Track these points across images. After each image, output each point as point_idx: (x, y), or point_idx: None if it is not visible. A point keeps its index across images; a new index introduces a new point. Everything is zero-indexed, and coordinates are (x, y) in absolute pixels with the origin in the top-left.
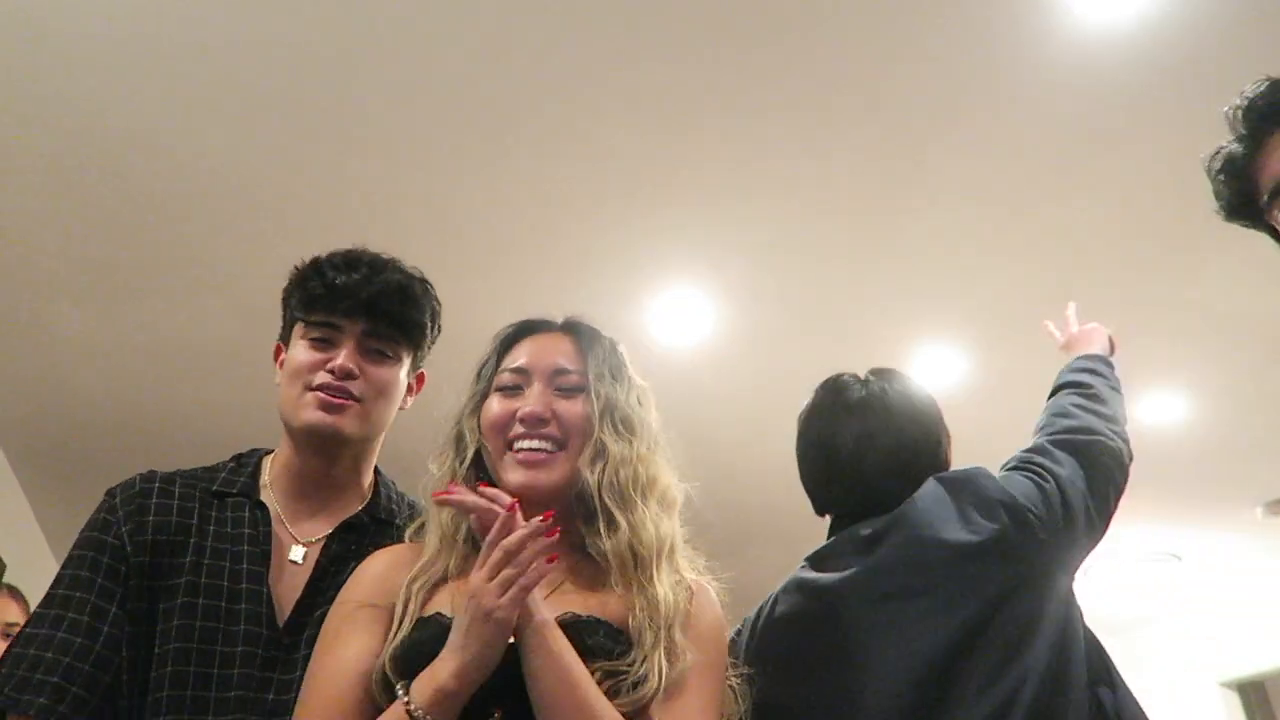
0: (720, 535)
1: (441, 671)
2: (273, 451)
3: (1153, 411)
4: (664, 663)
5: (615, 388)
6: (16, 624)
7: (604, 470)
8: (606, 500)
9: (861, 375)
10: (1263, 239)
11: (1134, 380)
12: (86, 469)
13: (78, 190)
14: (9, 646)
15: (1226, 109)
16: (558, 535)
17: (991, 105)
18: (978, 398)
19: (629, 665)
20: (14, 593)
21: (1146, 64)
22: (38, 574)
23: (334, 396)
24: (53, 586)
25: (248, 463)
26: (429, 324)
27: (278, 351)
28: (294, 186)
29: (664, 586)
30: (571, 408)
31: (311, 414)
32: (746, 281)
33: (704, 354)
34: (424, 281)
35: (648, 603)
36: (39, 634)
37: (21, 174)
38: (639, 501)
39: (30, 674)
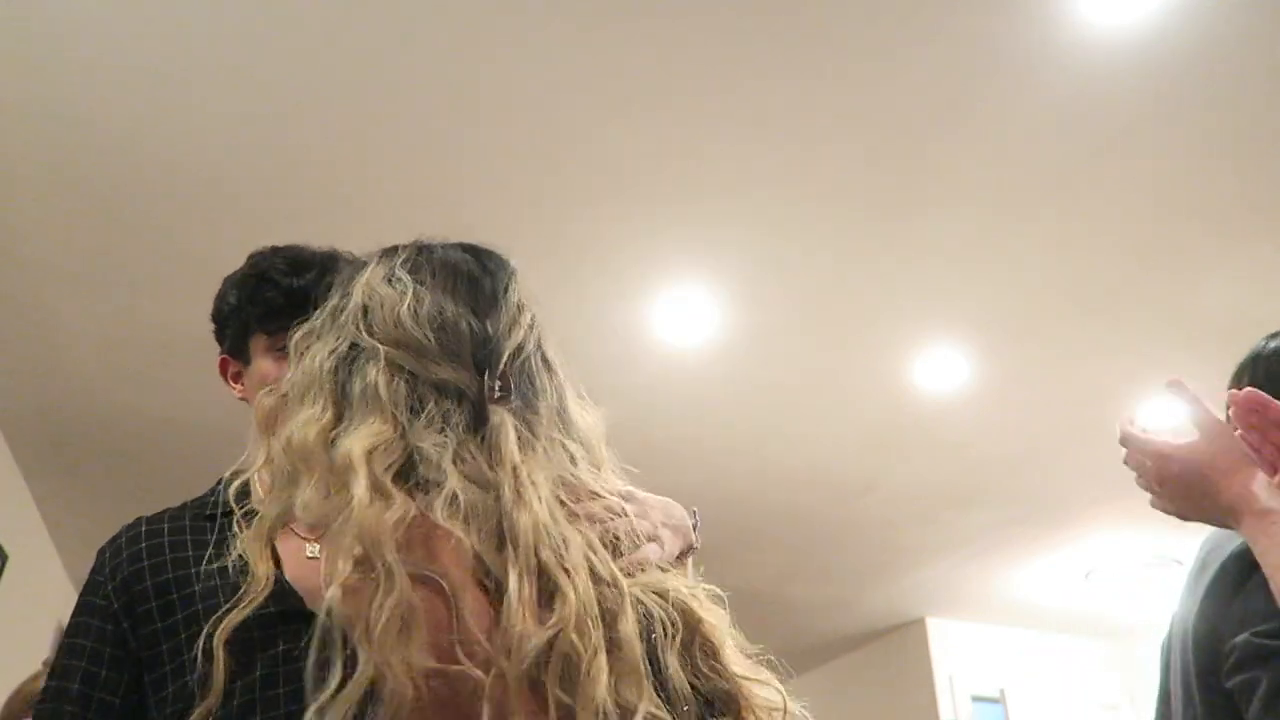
0: (721, 538)
1: None
2: (244, 471)
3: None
4: None
5: None
6: None
7: None
8: None
9: None
10: (1266, 245)
11: (1136, 386)
12: (89, 460)
13: (80, 180)
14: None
15: None
16: None
17: (998, 108)
18: (980, 401)
19: None
20: None
21: (1155, 70)
22: (39, 565)
23: None
24: (56, 656)
25: (232, 484)
26: None
27: (225, 365)
28: (295, 179)
29: None
30: None
31: None
32: (749, 282)
33: (704, 356)
34: None
35: None
36: (45, 708)
37: (24, 164)
38: None
39: None
